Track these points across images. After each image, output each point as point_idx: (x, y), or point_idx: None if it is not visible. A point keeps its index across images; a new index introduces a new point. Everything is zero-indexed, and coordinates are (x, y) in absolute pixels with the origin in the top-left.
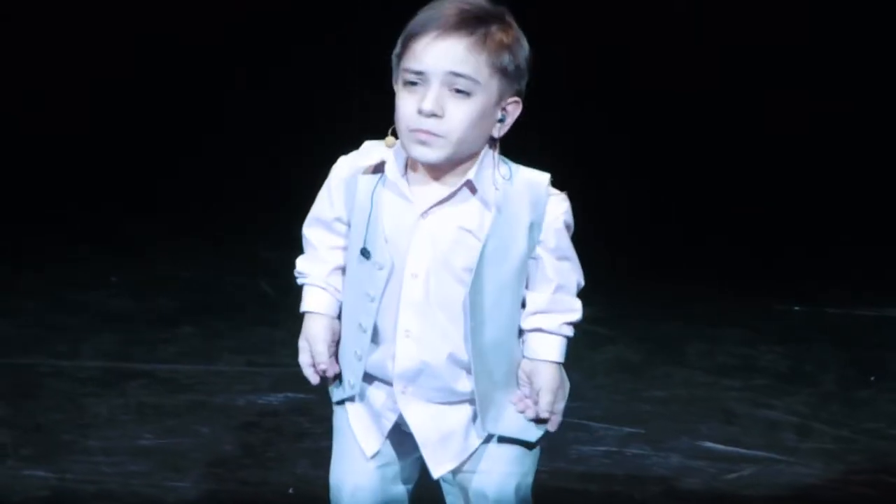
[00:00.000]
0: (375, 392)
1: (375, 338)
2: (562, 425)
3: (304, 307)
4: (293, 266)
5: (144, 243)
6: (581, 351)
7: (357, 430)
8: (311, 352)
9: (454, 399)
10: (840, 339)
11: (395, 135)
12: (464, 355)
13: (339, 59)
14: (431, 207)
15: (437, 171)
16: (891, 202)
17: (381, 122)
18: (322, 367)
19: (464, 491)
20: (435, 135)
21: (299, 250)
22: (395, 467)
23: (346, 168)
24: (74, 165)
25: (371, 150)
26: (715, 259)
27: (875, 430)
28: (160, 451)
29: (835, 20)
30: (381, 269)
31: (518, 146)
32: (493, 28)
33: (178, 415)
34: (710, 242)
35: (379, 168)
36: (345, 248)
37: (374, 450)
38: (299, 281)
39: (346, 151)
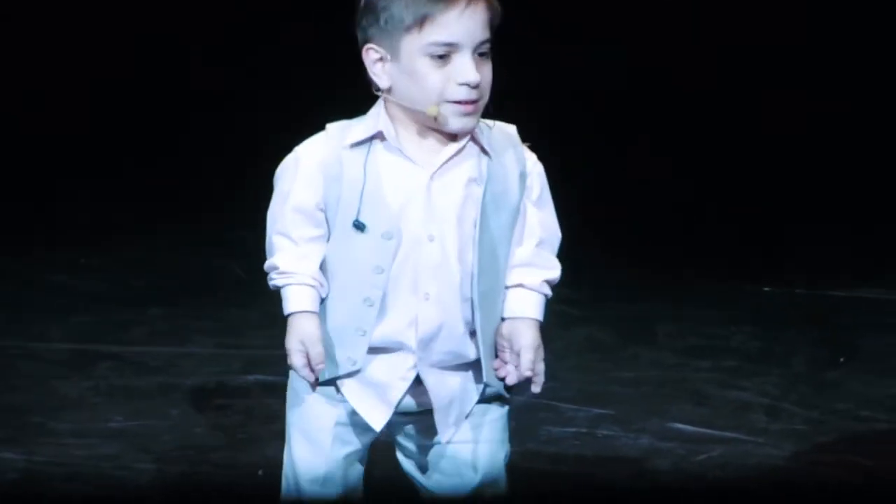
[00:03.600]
0: (379, 364)
1: (382, 310)
2: (532, 406)
3: (294, 307)
4: (265, 248)
5: (114, 225)
6: (552, 332)
7: (360, 408)
8: (309, 353)
9: (457, 363)
10: (810, 321)
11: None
12: (469, 313)
13: (322, 41)
14: (440, 167)
15: (432, 131)
16: (864, 184)
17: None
18: (320, 367)
19: (450, 462)
20: (476, 102)
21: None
22: (362, 451)
23: (320, 151)
24: (74, 165)
25: (346, 128)
26: (685, 240)
27: (845, 411)
28: (130, 433)
29: (832, 20)
30: (389, 238)
31: None
32: None
33: (148, 397)
34: (680, 225)
35: (365, 141)
36: (322, 238)
37: (383, 422)
38: (281, 281)
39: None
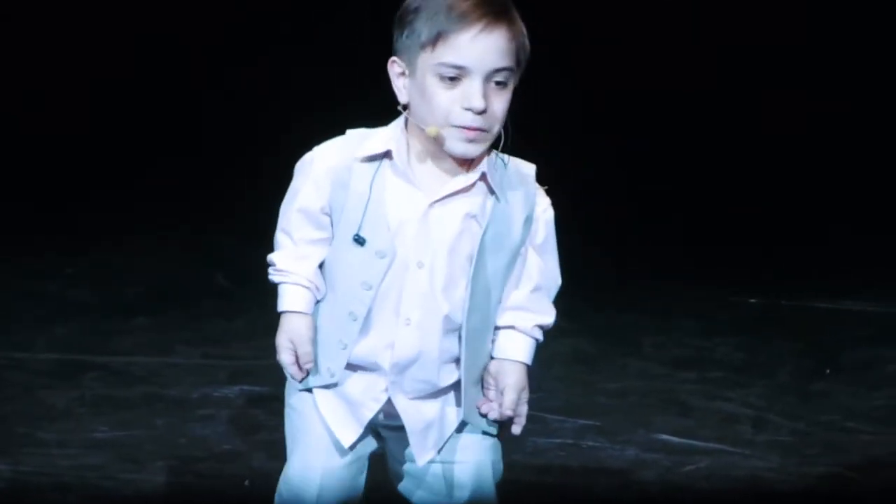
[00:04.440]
0: (355, 381)
1: (365, 327)
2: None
3: (286, 306)
4: (250, 258)
5: (100, 235)
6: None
7: (331, 420)
8: (297, 352)
9: (430, 391)
10: (795, 332)
11: (405, 121)
12: (454, 346)
13: (314, 54)
14: (444, 197)
15: (447, 159)
16: (849, 197)
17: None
18: (308, 366)
19: (437, 480)
20: (483, 130)
21: (256, 242)
22: (361, 459)
23: (334, 157)
24: (73, 165)
25: (363, 138)
26: (670, 252)
27: (830, 422)
28: (115, 443)
29: (832, 20)
30: (382, 257)
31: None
32: (514, 12)
33: (133, 407)
34: (665, 235)
35: (377, 156)
36: (325, 241)
37: (352, 440)
38: (277, 278)
39: (305, 147)
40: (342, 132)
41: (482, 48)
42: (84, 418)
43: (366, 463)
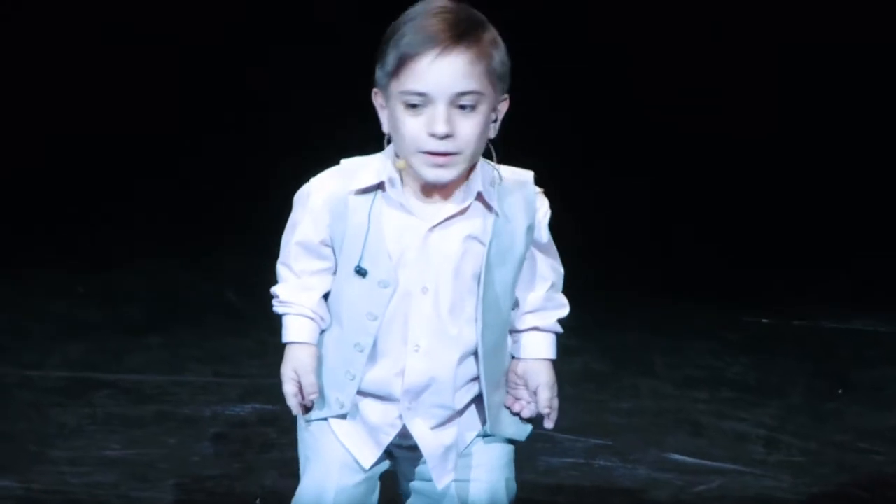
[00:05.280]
0: (370, 408)
1: (373, 356)
2: (529, 437)
3: (290, 337)
4: (260, 276)
5: (111, 254)
6: None
7: (349, 443)
8: (302, 383)
9: (447, 416)
10: (807, 352)
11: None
12: (470, 366)
13: (319, 66)
14: (441, 222)
15: (442, 185)
16: (859, 218)
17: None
18: (312, 397)
19: (451, 500)
20: (450, 154)
21: (265, 260)
22: (372, 478)
23: (329, 189)
24: (83, 185)
25: (357, 169)
26: (683, 271)
27: (842, 442)
28: (127, 461)
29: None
30: (385, 287)
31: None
32: (482, 34)
33: (144, 425)
34: (677, 255)
35: (372, 188)
36: (328, 270)
37: (372, 461)
38: (281, 310)
39: (316, 161)
40: (353, 147)
41: (439, 73)
42: (96, 436)
43: (377, 482)
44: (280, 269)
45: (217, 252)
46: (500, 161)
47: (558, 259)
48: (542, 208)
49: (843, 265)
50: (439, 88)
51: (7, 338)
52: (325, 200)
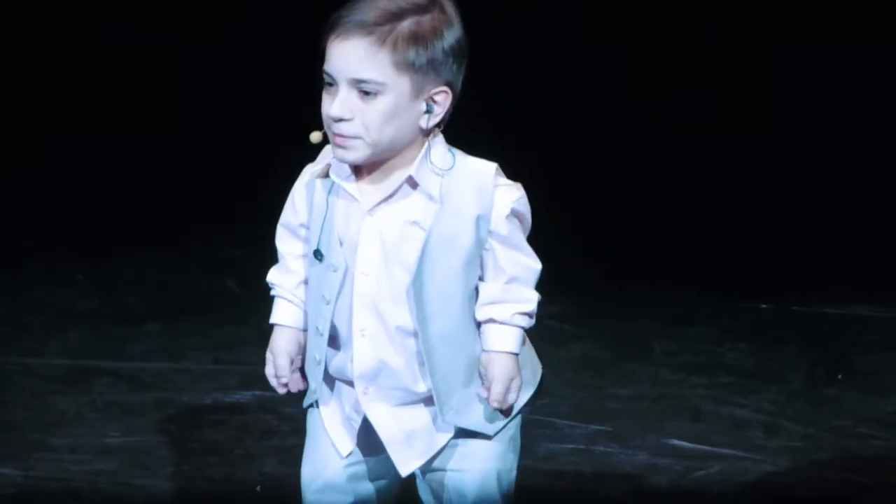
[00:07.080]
0: (343, 394)
1: (334, 341)
2: (528, 423)
3: (271, 319)
4: (260, 263)
5: (111, 241)
6: (548, 348)
7: (331, 432)
8: (275, 364)
9: (413, 399)
10: (807, 337)
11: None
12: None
13: (318, 66)
14: (378, 205)
15: (380, 168)
16: (859, 202)
17: None
18: (283, 380)
19: (442, 489)
20: (348, 137)
21: (266, 248)
22: (364, 465)
23: (306, 174)
24: (84, 175)
25: (326, 154)
26: (681, 256)
27: (842, 427)
28: (127, 448)
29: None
30: (335, 270)
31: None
32: (403, 23)
33: (144, 413)
34: (676, 240)
35: (326, 170)
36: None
37: (348, 450)
38: (271, 292)
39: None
40: None
41: (337, 56)
42: (96, 424)
43: (377, 467)
44: (276, 245)
45: (217, 240)
46: (493, 158)
47: (528, 254)
48: (504, 202)
49: (846, 250)
50: (338, 72)
51: (7, 326)
52: (303, 184)
